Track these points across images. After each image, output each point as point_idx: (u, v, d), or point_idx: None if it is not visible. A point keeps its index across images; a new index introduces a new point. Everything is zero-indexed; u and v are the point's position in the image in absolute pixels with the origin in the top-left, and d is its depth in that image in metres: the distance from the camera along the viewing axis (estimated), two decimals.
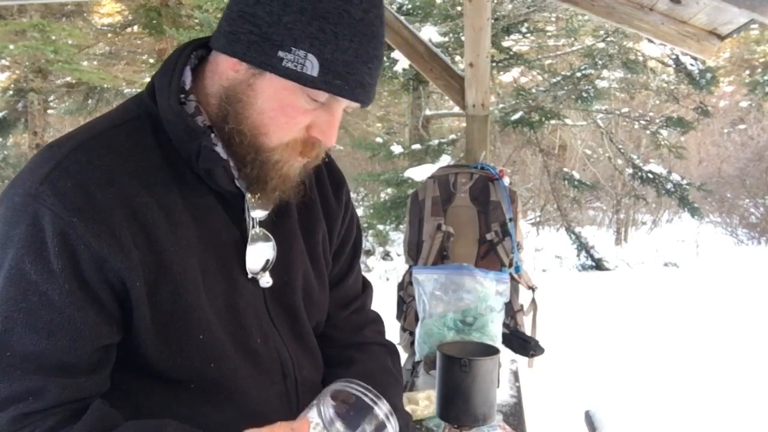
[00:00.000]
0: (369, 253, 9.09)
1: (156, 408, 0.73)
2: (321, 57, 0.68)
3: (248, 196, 0.79)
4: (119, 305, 0.70)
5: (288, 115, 0.72)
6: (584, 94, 7.91)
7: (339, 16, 0.68)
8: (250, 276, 0.80)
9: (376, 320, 1.03)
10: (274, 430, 0.68)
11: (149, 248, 0.70)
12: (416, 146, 8.10)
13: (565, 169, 9.70)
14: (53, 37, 10.56)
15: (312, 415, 0.69)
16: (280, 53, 0.68)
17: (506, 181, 2.31)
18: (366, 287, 1.03)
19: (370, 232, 9.22)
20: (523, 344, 2.06)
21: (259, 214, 0.81)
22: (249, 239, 0.79)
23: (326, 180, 0.92)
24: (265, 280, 0.82)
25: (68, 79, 13.25)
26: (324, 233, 0.91)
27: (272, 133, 0.73)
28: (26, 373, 0.65)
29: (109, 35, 15.01)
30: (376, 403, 0.70)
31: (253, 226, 0.80)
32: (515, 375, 1.90)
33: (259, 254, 0.80)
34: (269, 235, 0.82)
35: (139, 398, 0.74)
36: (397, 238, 8.84)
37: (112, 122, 0.75)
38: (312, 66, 0.68)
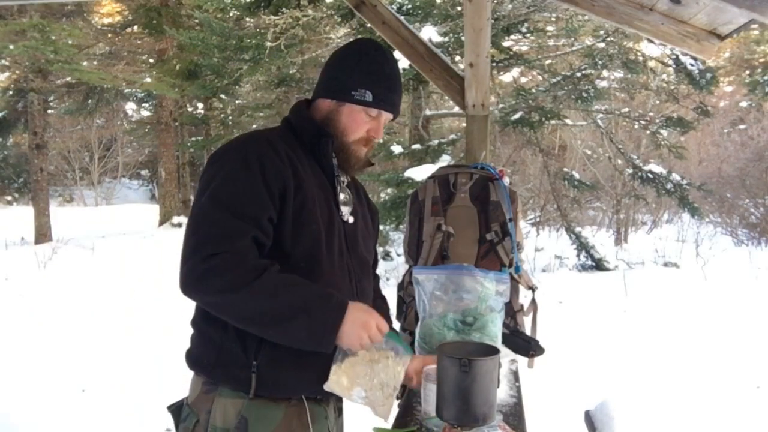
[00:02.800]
0: None
1: None
2: (373, 91, 1.34)
3: (339, 171, 1.41)
4: (279, 199, 1.25)
5: (358, 124, 1.37)
6: (584, 94, 7.89)
7: (379, 72, 1.36)
8: (340, 213, 1.39)
9: (379, 282, 1.68)
10: (372, 314, 1.28)
11: (295, 173, 1.28)
12: (416, 146, 8.10)
13: (565, 169, 9.69)
14: (53, 37, 10.52)
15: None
16: (352, 92, 1.34)
17: (506, 181, 2.31)
18: (377, 260, 1.66)
19: None
20: (523, 344, 2.06)
21: (344, 180, 1.44)
22: (340, 193, 1.41)
23: (370, 201, 1.60)
24: (349, 218, 1.41)
25: (68, 79, 13.23)
26: (371, 218, 1.55)
27: (351, 135, 1.37)
28: (238, 218, 1.20)
29: (109, 35, 15.00)
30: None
31: (342, 189, 1.42)
32: (515, 375, 1.90)
33: (344, 202, 1.41)
34: (350, 194, 1.45)
35: None
36: (397, 238, 8.84)
37: (271, 129, 1.39)
38: (369, 96, 1.34)
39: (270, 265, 1.20)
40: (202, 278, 1.17)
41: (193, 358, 1.32)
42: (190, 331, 1.36)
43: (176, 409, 1.36)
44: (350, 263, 1.39)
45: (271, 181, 1.24)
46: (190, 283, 1.19)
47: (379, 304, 1.58)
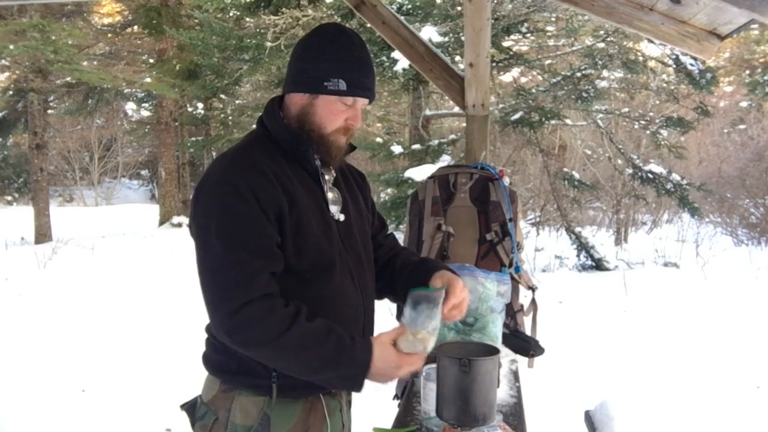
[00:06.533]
0: None
1: (290, 290, 1.25)
2: (346, 79, 1.29)
3: (321, 169, 1.38)
4: (277, 223, 1.24)
5: (335, 115, 1.32)
6: (584, 94, 7.89)
7: (349, 59, 1.30)
8: (331, 214, 1.37)
9: (395, 239, 1.69)
10: (402, 362, 1.23)
11: (286, 192, 1.26)
12: (416, 146, 8.09)
13: (565, 169, 9.69)
14: (53, 37, 10.52)
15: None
16: (325, 83, 1.28)
17: (506, 181, 2.31)
18: (384, 222, 1.66)
19: None
20: (523, 344, 2.06)
21: (329, 179, 1.41)
22: (327, 192, 1.38)
23: (355, 174, 1.56)
24: (339, 216, 1.39)
25: (68, 79, 13.22)
26: (362, 199, 1.52)
27: (329, 126, 1.32)
28: (253, 255, 1.20)
29: (109, 35, 15.00)
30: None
31: (329, 188, 1.40)
32: (515, 375, 1.90)
33: (333, 201, 1.39)
34: (337, 190, 1.42)
35: (282, 285, 1.25)
36: (397, 238, 8.85)
37: (250, 141, 1.36)
38: (343, 85, 1.29)
39: (297, 313, 1.22)
40: (232, 332, 1.19)
41: (212, 364, 1.35)
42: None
43: (190, 407, 1.38)
44: (349, 263, 1.38)
45: (267, 207, 1.23)
46: (223, 335, 1.21)
47: (399, 252, 1.59)
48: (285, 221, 1.25)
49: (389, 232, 1.66)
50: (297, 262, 1.27)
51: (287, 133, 1.34)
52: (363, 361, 1.22)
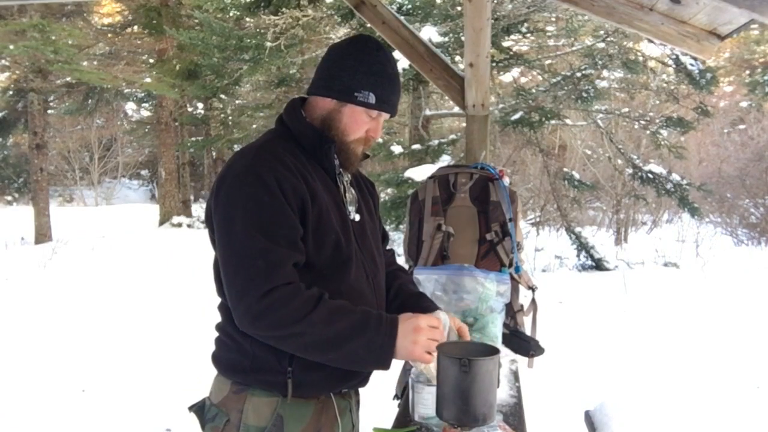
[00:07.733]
0: None
1: (307, 285, 1.24)
2: (376, 93, 1.34)
3: (341, 169, 1.42)
4: (300, 215, 1.26)
5: (359, 125, 1.37)
6: (584, 94, 7.90)
7: (381, 73, 1.35)
8: (348, 212, 1.40)
9: (394, 255, 1.71)
10: (418, 317, 1.28)
11: (308, 186, 1.29)
12: (416, 146, 8.10)
13: (565, 169, 9.69)
14: (53, 37, 10.52)
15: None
16: (356, 93, 1.33)
17: (506, 181, 2.31)
18: (386, 234, 1.69)
19: None
20: (523, 344, 2.06)
21: (346, 179, 1.45)
22: (345, 193, 1.42)
23: (366, 181, 1.60)
24: (355, 216, 1.43)
25: (68, 79, 13.23)
26: (372, 204, 1.56)
27: (351, 135, 1.37)
28: (277, 245, 1.22)
29: (109, 35, 15.00)
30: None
31: (346, 189, 1.44)
32: (515, 375, 1.90)
33: (350, 201, 1.44)
34: (353, 191, 1.47)
35: (300, 279, 1.26)
36: (397, 238, 8.84)
37: (271, 137, 1.39)
38: (372, 98, 1.34)
39: (321, 294, 1.24)
40: (260, 316, 1.19)
41: (223, 363, 1.34)
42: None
43: (199, 409, 1.37)
44: (364, 261, 1.40)
45: (291, 199, 1.25)
46: (248, 321, 1.21)
47: (399, 275, 1.60)
48: (307, 214, 1.27)
49: (389, 247, 1.68)
50: (316, 257, 1.29)
51: (311, 130, 1.37)
52: (390, 326, 1.24)
